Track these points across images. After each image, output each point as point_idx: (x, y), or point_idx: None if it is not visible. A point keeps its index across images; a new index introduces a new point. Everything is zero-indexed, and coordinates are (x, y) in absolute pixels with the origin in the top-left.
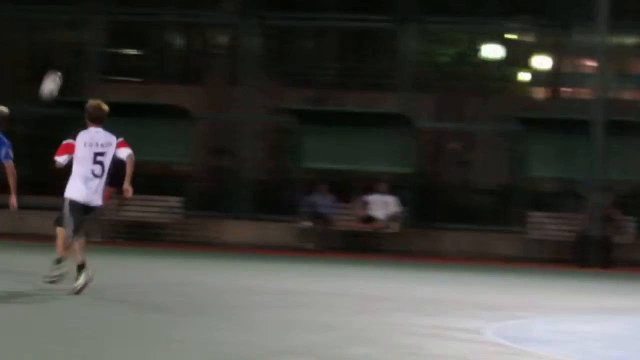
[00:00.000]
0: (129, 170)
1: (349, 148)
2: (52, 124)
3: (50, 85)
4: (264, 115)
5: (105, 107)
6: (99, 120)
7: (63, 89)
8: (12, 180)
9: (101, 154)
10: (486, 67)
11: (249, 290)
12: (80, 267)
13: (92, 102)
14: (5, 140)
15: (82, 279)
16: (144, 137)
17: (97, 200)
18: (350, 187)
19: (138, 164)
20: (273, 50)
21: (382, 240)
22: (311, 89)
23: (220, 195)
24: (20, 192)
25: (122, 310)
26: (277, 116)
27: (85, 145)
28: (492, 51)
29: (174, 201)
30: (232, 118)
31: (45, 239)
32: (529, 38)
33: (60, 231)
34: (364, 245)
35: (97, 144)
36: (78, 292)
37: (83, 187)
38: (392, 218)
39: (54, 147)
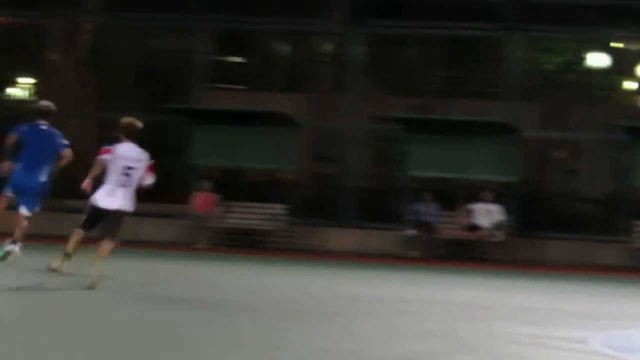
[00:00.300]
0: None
1: (454, 156)
2: (160, 131)
3: None
4: (368, 123)
5: (139, 125)
6: (133, 136)
7: (170, 96)
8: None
9: (130, 167)
10: (592, 75)
11: (351, 297)
12: (66, 255)
13: (127, 120)
14: (55, 131)
15: (55, 264)
16: (250, 145)
17: (122, 206)
18: (455, 196)
19: (244, 171)
20: (378, 58)
21: (486, 249)
22: (416, 97)
23: (325, 202)
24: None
25: (224, 316)
26: (381, 124)
27: (119, 157)
28: (597, 59)
29: (278, 208)
30: (337, 126)
31: (159, 246)
32: (635, 46)
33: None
34: (468, 254)
35: (129, 159)
36: (50, 269)
37: (108, 193)
38: (497, 227)
39: (162, 153)
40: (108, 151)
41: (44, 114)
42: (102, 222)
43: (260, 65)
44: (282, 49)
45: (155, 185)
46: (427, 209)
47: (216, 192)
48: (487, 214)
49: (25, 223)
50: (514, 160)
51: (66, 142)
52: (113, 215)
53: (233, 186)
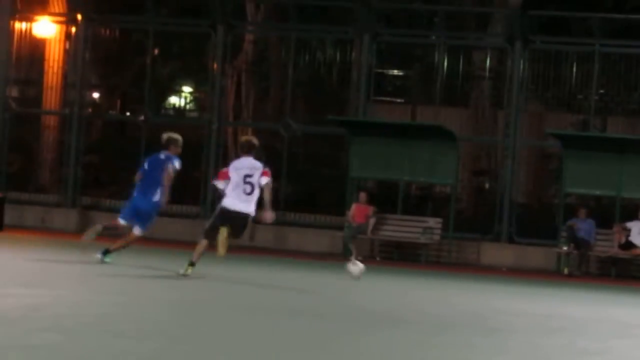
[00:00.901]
0: (266, 196)
1: (611, 173)
2: (319, 142)
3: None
4: (528, 139)
5: (255, 141)
6: (249, 151)
7: (331, 108)
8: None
9: (249, 175)
10: None
11: (505, 312)
12: (190, 264)
13: (244, 138)
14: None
15: (182, 271)
16: (408, 158)
17: (247, 209)
18: (611, 213)
19: (400, 184)
20: (539, 74)
21: None
22: (575, 114)
23: (481, 217)
24: (281, 208)
25: (376, 328)
26: (540, 140)
27: (235, 170)
28: None
29: (433, 222)
30: (496, 141)
31: (315, 257)
32: None
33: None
34: (622, 272)
35: (245, 168)
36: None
37: (236, 200)
38: None
39: (318, 163)
40: (224, 174)
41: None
42: (227, 224)
43: (421, 78)
44: (443, 63)
45: (314, 195)
46: (583, 226)
47: (372, 204)
48: None
49: (133, 240)
50: None
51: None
52: (239, 217)
53: (389, 199)
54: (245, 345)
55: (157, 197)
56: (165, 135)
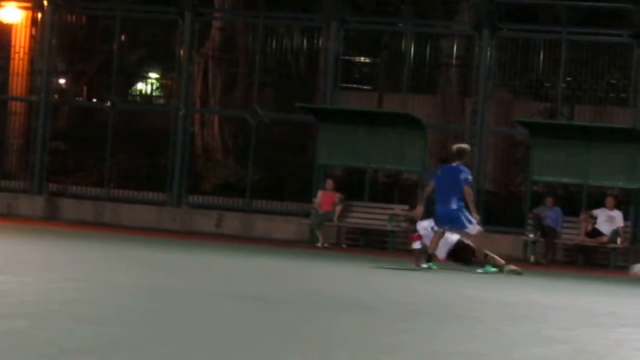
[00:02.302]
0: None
1: (578, 162)
2: (284, 129)
3: None
4: (495, 127)
5: (469, 149)
6: (462, 158)
7: (298, 95)
8: (470, 201)
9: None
10: None
11: (471, 300)
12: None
13: (458, 145)
14: (464, 168)
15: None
16: (375, 145)
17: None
18: (578, 201)
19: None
20: (506, 62)
21: (608, 256)
22: (542, 102)
23: None
24: (248, 195)
25: (342, 314)
26: (508, 128)
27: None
28: None
29: (400, 209)
30: (464, 129)
31: (280, 244)
32: None
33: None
34: (588, 260)
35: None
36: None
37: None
38: (618, 233)
39: (285, 150)
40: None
41: (459, 154)
42: None
43: (388, 66)
44: (410, 50)
45: (281, 183)
46: (550, 214)
47: (339, 191)
48: (609, 221)
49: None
50: (639, 167)
51: (469, 177)
52: None
53: (356, 186)
54: (209, 332)
55: (454, 205)
56: (460, 146)
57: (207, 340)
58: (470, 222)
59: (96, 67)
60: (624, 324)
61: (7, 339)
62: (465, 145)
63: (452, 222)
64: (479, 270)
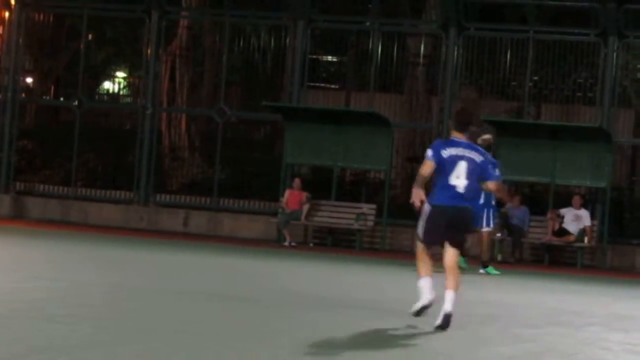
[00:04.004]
0: None
1: (545, 161)
2: (251, 127)
3: None
4: None
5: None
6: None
7: (265, 94)
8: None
9: None
10: None
11: (438, 299)
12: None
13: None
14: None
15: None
16: (342, 144)
17: None
18: (544, 200)
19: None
20: (473, 60)
21: (574, 255)
22: (509, 101)
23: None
24: (215, 194)
25: (302, 312)
26: (475, 127)
27: None
28: None
29: (367, 208)
30: (431, 127)
31: (247, 243)
32: None
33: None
34: (555, 259)
35: None
36: None
37: None
38: (585, 232)
39: (252, 149)
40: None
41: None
42: None
43: (355, 64)
44: (377, 49)
45: (248, 181)
46: (516, 213)
47: (306, 190)
48: (576, 220)
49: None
50: (605, 166)
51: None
52: None
53: (323, 185)
54: (177, 330)
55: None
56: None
57: (175, 338)
58: None
59: (63, 65)
60: (591, 323)
61: None
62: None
63: None
64: (481, 271)
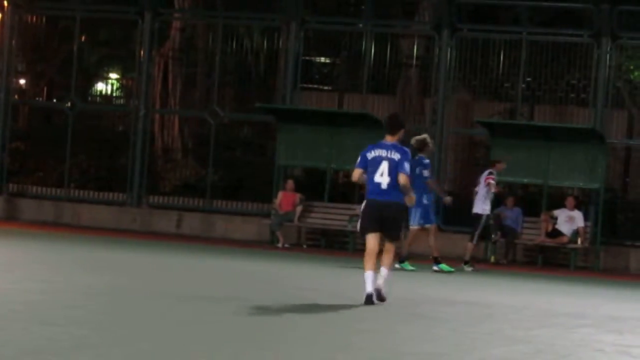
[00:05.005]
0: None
1: (538, 162)
2: (244, 129)
3: None
4: (455, 127)
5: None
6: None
7: (258, 95)
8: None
9: None
10: None
11: (429, 299)
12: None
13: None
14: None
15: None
16: (335, 145)
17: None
18: (538, 201)
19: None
20: (466, 62)
21: (568, 256)
22: (502, 102)
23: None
24: (208, 195)
25: (300, 316)
26: (468, 128)
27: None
28: None
29: (360, 210)
30: (424, 129)
31: (241, 245)
32: None
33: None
34: (549, 260)
35: None
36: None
37: None
38: (578, 234)
39: (246, 150)
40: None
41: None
42: None
43: (348, 66)
44: (371, 51)
45: (241, 183)
46: (510, 214)
47: (299, 191)
48: (569, 221)
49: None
50: (598, 167)
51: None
52: None
53: (316, 186)
54: (169, 332)
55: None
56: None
57: (167, 341)
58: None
59: (56, 67)
60: (584, 324)
61: None
62: (424, 136)
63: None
64: (397, 266)
